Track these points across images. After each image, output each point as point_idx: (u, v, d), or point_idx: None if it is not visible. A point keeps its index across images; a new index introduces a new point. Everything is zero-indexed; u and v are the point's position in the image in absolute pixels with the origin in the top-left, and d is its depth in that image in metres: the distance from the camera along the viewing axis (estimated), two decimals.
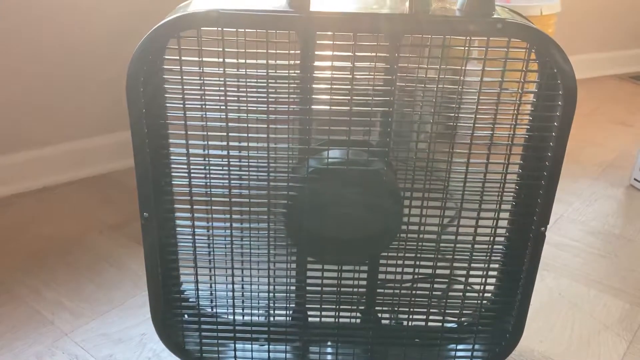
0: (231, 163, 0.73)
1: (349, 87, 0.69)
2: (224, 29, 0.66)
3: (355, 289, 0.82)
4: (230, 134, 0.71)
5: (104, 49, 1.39)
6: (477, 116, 0.71)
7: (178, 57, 0.67)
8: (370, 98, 0.70)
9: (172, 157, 0.74)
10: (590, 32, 2.31)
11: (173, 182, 0.76)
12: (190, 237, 0.78)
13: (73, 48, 1.36)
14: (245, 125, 0.71)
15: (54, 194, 1.37)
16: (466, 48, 0.68)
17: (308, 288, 0.82)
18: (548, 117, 0.70)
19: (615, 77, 2.40)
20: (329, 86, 0.69)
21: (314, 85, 0.70)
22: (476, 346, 0.85)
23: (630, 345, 0.95)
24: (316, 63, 0.69)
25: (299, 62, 0.70)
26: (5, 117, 1.32)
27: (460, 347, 0.86)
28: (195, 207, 0.76)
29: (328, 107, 0.70)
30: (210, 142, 0.72)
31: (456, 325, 0.87)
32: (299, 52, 0.69)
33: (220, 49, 0.67)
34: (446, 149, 0.73)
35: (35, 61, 1.32)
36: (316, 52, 0.69)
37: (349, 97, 0.69)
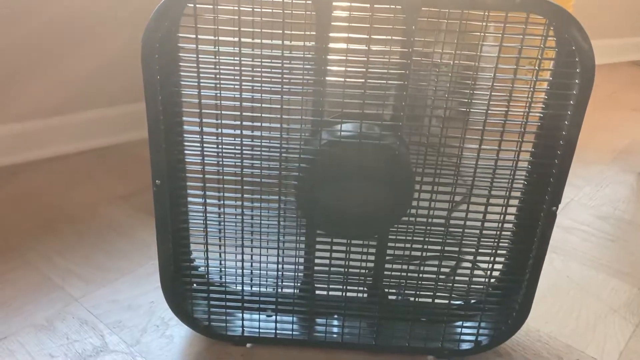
0: (244, 134, 0.73)
1: (365, 59, 0.69)
2: None
3: (364, 264, 0.82)
4: (243, 104, 0.71)
5: (119, 15, 1.39)
6: (493, 93, 0.71)
7: (194, 25, 0.67)
8: (386, 71, 0.70)
9: (185, 126, 0.74)
10: (608, 17, 2.28)
11: (186, 152, 0.76)
12: (202, 207, 0.78)
13: (88, 15, 1.35)
14: (259, 95, 0.71)
15: (65, 163, 1.38)
16: (484, 24, 0.68)
17: (317, 261, 0.83)
18: (564, 96, 0.70)
19: (632, 63, 2.37)
20: (344, 58, 0.69)
21: (329, 57, 0.69)
22: (482, 324, 0.85)
23: (637, 329, 0.95)
24: (332, 34, 0.69)
25: (314, 33, 0.69)
26: (18, 84, 1.32)
27: (466, 324, 0.86)
28: (207, 176, 0.77)
29: (343, 80, 0.70)
30: (223, 112, 0.72)
31: (463, 303, 0.87)
32: (314, 22, 0.69)
33: (236, 17, 0.67)
34: (459, 127, 0.73)
35: (47, 29, 1.32)
36: (332, 24, 0.68)
37: (364, 70, 0.69)
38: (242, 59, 0.69)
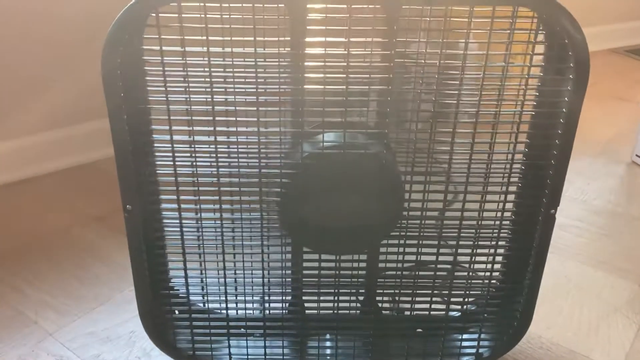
0: (219, 149, 0.68)
1: (344, 64, 0.64)
2: (207, 4, 0.60)
3: (355, 279, 0.77)
4: (217, 118, 0.66)
5: (81, 32, 1.32)
6: (482, 93, 0.66)
7: (157, 36, 0.62)
8: (367, 76, 0.65)
9: (155, 145, 0.69)
10: (584, 5, 2.26)
11: (157, 172, 0.71)
12: (178, 229, 0.73)
13: (48, 33, 1.29)
14: (233, 108, 0.66)
15: (34, 186, 1.31)
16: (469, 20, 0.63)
17: (305, 279, 0.78)
18: (558, 92, 0.66)
19: (610, 51, 2.36)
20: (323, 63, 0.64)
21: (306, 63, 0.64)
22: (482, 335, 0.81)
23: None
24: (307, 39, 0.64)
25: (289, 38, 0.64)
26: None
27: (465, 336, 0.82)
28: (182, 197, 0.71)
29: (322, 87, 0.65)
30: (195, 128, 0.67)
31: (460, 314, 0.83)
32: (288, 27, 0.64)
33: (203, 26, 0.61)
34: (448, 128, 0.68)
35: (10, 48, 1.25)
36: (307, 27, 0.64)
37: (345, 75, 0.64)
38: (212, 70, 0.63)
